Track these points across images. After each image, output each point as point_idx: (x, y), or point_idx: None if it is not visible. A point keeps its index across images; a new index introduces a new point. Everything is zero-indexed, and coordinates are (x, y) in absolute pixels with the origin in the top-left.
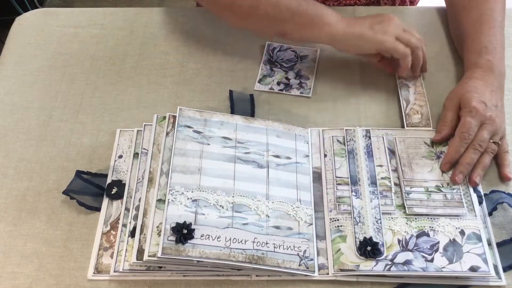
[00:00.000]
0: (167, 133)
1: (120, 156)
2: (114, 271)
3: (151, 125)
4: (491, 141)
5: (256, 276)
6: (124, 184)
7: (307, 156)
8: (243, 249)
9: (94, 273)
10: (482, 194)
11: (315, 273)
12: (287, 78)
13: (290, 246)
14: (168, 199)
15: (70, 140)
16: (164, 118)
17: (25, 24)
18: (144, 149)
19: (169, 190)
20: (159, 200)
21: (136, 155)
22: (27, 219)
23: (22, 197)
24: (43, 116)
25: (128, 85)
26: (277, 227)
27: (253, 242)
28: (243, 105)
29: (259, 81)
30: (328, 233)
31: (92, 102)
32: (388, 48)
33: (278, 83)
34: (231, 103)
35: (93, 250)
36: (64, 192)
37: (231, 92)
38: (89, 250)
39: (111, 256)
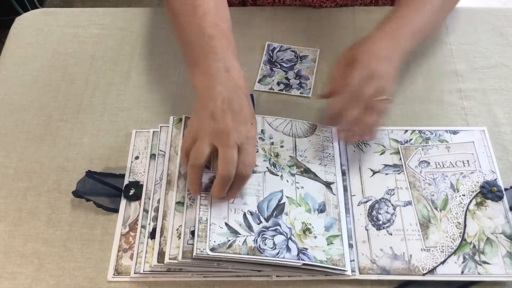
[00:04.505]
0: (184, 136)
1: (137, 157)
2: (135, 273)
3: (167, 126)
4: (376, 98)
5: (277, 276)
6: (142, 186)
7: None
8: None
9: (114, 274)
10: (503, 189)
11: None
12: (287, 78)
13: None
14: (187, 203)
15: (70, 140)
16: (180, 120)
17: (25, 24)
18: (161, 150)
19: (187, 193)
20: (178, 203)
21: (152, 156)
22: (27, 219)
23: (22, 197)
24: (43, 116)
25: (128, 85)
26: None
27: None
28: None
29: (259, 81)
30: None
31: (92, 102)
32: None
33: (278, 83)
34: None
35: (112, 252)
36: (76, 194)
37: None
38: (89, 250)
39: (131, 258)
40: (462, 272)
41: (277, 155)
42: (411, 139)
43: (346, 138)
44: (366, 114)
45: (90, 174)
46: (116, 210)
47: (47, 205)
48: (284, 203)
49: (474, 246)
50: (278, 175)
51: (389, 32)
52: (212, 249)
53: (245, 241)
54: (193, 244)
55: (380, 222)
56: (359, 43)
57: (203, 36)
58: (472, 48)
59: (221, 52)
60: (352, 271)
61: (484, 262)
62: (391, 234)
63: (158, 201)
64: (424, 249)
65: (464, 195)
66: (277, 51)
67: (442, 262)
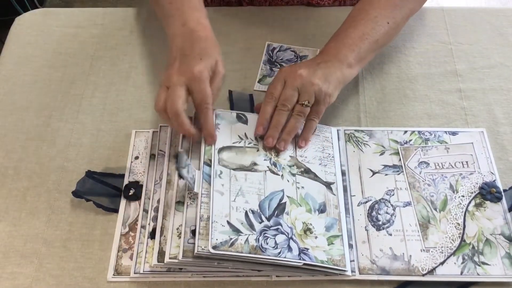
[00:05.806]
0: (184, 136)
1: (137, 157)
2: (134, 273)
3: (167, 126)
4: (301, 103)
5: (276, 276)
6: (141, 186)
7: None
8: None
9: (113, 274)
10: (501, 190)
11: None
12: None
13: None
14: (187, 203)
15: (70, 140)
16: None
17: (25, 24)
18: (160, 150)
19: (188, 193)
20: (178, 202)
21: (152, 156)
22: (27, 219)
23: (22, 197)
24: (43, 116)
25: (128, 85)
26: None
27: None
28: (243, 105)
29: (259, 81)
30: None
31: (92, 102)
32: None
33: None
34: (231, 103)
35: (112, 252)
36: (76, 194)
37: (230, 92)
38: (89, 251)
39: (131, 258)
40: (462, 273)
41: (277, 155)
42: (410, 140)
43: (271, 143)
44: (291, 119)
45: (89, 174)
46: (116, 210)
47: (47, 205)
48: (285, 202)
49: (473, 247)
50: (278, 175)
51: (328, 49)
52: (214, 247)
53: (247, 239)
54: (193, 243)
55: (380, 223)
56: None
57: (164, 4)
58: (472, 48)
59: (177, 11)
60: (352, 271)
61: (483, 263)
62: (390, 235)
63: (158, 201)
64: (423, 250)
65: (463, 196)
66: (277, 51)
67: (442, 263)
